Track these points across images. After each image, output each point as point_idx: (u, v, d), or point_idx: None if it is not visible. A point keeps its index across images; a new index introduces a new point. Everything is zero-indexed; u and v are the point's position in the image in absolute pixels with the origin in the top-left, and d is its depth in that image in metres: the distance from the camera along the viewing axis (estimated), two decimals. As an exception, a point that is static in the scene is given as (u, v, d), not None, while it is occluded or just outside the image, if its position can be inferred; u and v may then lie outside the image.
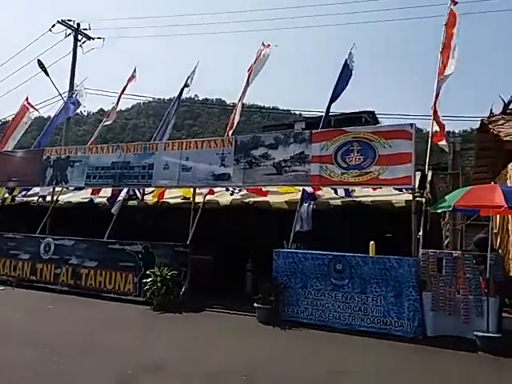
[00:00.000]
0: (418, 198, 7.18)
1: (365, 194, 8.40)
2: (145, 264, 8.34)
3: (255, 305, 6.92)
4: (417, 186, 7.17)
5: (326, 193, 8.70)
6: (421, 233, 6.63)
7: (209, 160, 8.81)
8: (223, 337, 6.07)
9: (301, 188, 8.46)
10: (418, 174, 7.40)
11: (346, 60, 9.79)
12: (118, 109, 13.94)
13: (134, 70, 13.48)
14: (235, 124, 10.46)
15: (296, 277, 6.98)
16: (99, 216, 10.23)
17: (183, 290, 7.94)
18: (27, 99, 15.44)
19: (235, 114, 10.59)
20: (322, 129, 8.71)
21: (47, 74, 19.58)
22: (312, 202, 8.03)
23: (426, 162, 7.80)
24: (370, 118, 46.50)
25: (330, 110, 9.63)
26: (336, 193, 8.62)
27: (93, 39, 22.11)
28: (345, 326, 6.51)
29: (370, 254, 6.70)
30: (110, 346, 5.35)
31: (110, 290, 8.59)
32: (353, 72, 9.79)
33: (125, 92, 13.45)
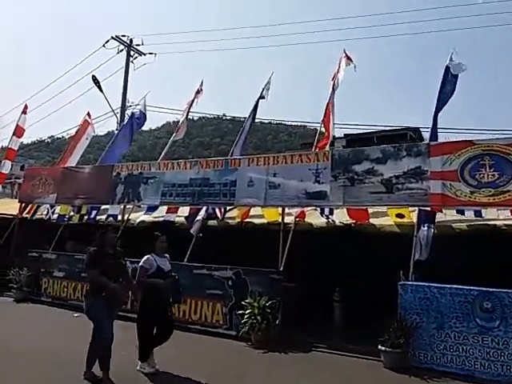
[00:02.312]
0: None
1: (494, 216, 7.25)
2: (236, 292, 7.47)
3: (380, 347, 5.88)
4: None
5: (443, 215, 7.57)
6: None
7: (300, 176, 7.92)
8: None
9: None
10: None
11: (448, 66, 8.81)
12: (147, 127, 13.46)
13: (201, 84, 12.94)
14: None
15: (429, 315, 5.89)
16: (175, 236, 9.49)
17: (277, 322, 7.02)
18: (88, 114, 15.23)
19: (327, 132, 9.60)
20: (431, 141, 7.73)
21: (101, 90, 19.53)
22: (432, 226, 6.96)
23: None
24: (414, 134, 45.01)
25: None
26: (462, 214, 7.50)
27: (144, 55, 22.10)
28: (496, 378, 5.37)
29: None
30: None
31: (196, 321, 7.75)
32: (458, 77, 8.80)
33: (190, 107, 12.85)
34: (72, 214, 11.57)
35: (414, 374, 5.53)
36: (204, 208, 9.42)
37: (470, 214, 7.44)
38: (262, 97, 11.11)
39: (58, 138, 45.76)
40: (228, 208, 9.45)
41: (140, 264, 5.41)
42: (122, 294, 5.17)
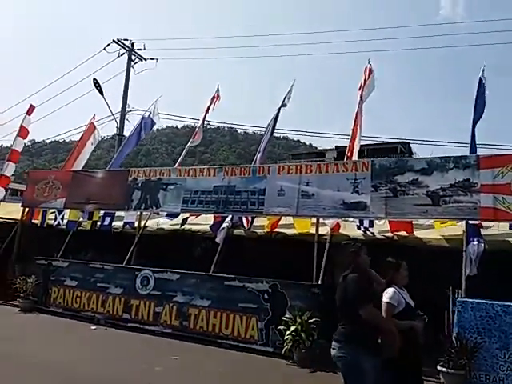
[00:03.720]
0: None
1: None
2: (273, 306, 7.05)
3: (441, 368, 5.53)
4: None
5: (489, 229, 7.36)
6: None
7: (337, 186, 7.61)
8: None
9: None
10: None
11: (481, 79, 8.75)
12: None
13: (218, 89, 12.62)
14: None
15: (491, 335, 5.58)
16: (197, 245, 9.07)
17: (321, 340, 6.60)
18: (94, 117, 14.71)
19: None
20: (470, 153, 7.57)
21: (101, 94, 19.00)
22: (482, 240, 6.71)
23: None
24: (404, 148, 45.58)
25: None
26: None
27: (145, 60, 21.69)
28: None
29: None
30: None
31: (228, 335, 7.27)
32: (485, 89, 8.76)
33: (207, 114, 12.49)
34: (81, 219, 10.97)
35: (479, 397, 5.20)
36: (229, 216, 9.02)
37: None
38: (283, 105, 10.85)
39: (38, 142, 44.91)
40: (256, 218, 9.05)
41: (385, 300, 3.77)
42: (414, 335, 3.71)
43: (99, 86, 18.88)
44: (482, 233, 7.11)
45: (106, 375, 5.33)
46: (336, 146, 48.13)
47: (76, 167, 12.63)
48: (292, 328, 6.36)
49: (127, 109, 20.46)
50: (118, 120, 19.84)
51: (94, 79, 18.79)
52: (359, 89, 10.18)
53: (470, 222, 6.81)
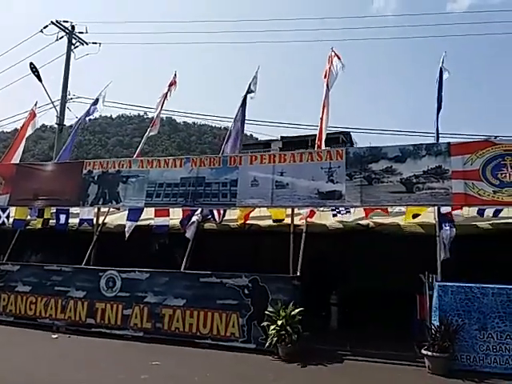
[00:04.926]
0: None
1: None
2: (254, 301, 6.83)
3: (426, 352, 5.67)
4: None
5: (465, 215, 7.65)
6: None
7: (311, 175, 7.51)
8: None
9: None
10: None
11: (441, 68, 9.05)
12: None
13: (175, 75, 12.01)
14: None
15: (471, 317, 5.81)
16: (165, 241, 8.59)
17: (306, 333, 6.52)
18: (36, 105, 13.48)
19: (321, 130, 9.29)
20: (436, 142, 7.83)
21: (40, 79, 17.44)
22: (452, 225, 6.95)
23: None
24: (346, 138, 47.08)
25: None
26: (482, 215, 7.62)
27: (87, 44, 20.19)
28: (540, 375, 5.43)
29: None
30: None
31: (206, 335, 6.95)
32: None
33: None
34: (29, 217, 9.98)
35: (464, 377, 5.39)
36: (199, 210, 8.61)
37: (488, 214, 7.60)
38: (250, 91, 10.53)
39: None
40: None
41: None
42: None
43: (37, 70, 17.26)
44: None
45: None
46: (281, 137, 48.65)
47: (15, 159, 11.52)
48: (279, 322, 6.19)
49: (68, 96, 19.02)
50: (57, 108, 18.36)
51: (31, 63, 17.13)
52: (324, 76, 10.15)
53: (442, 208, 7.05)
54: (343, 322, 8.22)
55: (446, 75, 8.93)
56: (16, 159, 11.69)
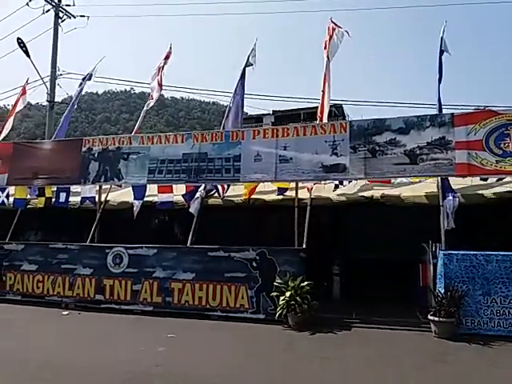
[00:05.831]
0: None
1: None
2: (262, 274, 6.95)
3: (432, 318, 5.87)
4: None
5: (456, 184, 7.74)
6: None
7: (315, 148, 7.53)
8: (437, 367, 4.92)
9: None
10: None
11: (442, 38, 8.96)
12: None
13: (170, 47, 11.73)
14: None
15: (475, 283, 6.00)
16: (165, 217, 8.61)
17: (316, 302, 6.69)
18: (27, 82, 13.17)
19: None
20: (439, 113, 7.85)
21: (28, 55, 16.88)
22: (457, 195, 7.06)
23: None
24: (338, 111, 46.85)
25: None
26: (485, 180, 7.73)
27: (74, 17, 19.46)
28: (541, 336, 5.68)
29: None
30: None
31: (216, 307, 7.10)
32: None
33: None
34: (29, 196, 9.89)
35: (469, 341, 5.60)
36: (202, 186, 8.61)
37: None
38: (248, 64, 10.35)
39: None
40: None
41: None
42: None
43: (24, 46, 16.69)
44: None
45: (112, 363, 4.80)
46: (273, 111, 48.13)
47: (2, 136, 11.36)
48: (287, 293, 6.33)
49: (58, 72, 18.49)
50: (47, 85, 17.87)
51: (19, 38, 16.53)
52: (324, 48, 9.99)
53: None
54: (345, 291, 8.43)
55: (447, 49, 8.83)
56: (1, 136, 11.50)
